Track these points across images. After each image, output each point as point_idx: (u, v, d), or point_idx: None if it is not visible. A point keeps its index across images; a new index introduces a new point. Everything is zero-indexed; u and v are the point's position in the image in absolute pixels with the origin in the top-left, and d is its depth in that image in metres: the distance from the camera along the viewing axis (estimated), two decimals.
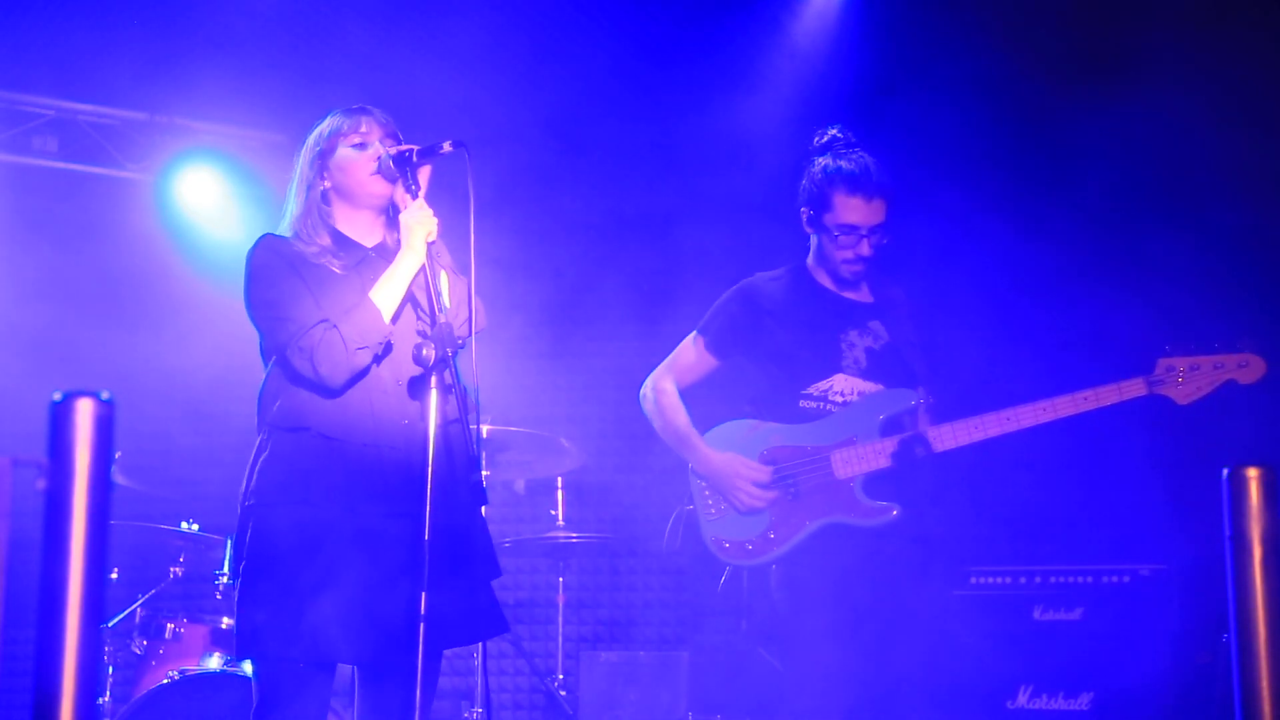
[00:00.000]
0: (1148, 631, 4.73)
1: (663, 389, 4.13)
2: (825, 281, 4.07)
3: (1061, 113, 5.79)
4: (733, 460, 3.95)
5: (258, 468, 3.29)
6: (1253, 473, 2.05)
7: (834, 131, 4.06)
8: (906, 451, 3.82)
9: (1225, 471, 2.07)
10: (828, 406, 3.94)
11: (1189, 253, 5.44)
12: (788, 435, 3.94)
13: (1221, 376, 3.78)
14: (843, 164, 3.95)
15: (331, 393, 3.26)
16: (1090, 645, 4.79)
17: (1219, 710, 4.39)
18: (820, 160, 4.00)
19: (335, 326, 3.23)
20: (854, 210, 3.93)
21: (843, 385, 3.95)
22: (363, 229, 3.47)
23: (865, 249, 3.95)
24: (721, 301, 4.13)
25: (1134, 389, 3.79)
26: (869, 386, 3.95)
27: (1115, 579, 4.84)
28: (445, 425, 3.22)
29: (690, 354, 4.15)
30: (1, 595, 1.63)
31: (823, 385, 3.96)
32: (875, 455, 3.86)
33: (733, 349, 4.10)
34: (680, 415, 4.08)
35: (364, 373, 3.29)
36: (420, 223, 3.30)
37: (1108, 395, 3.79)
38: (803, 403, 3.96)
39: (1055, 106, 5.79)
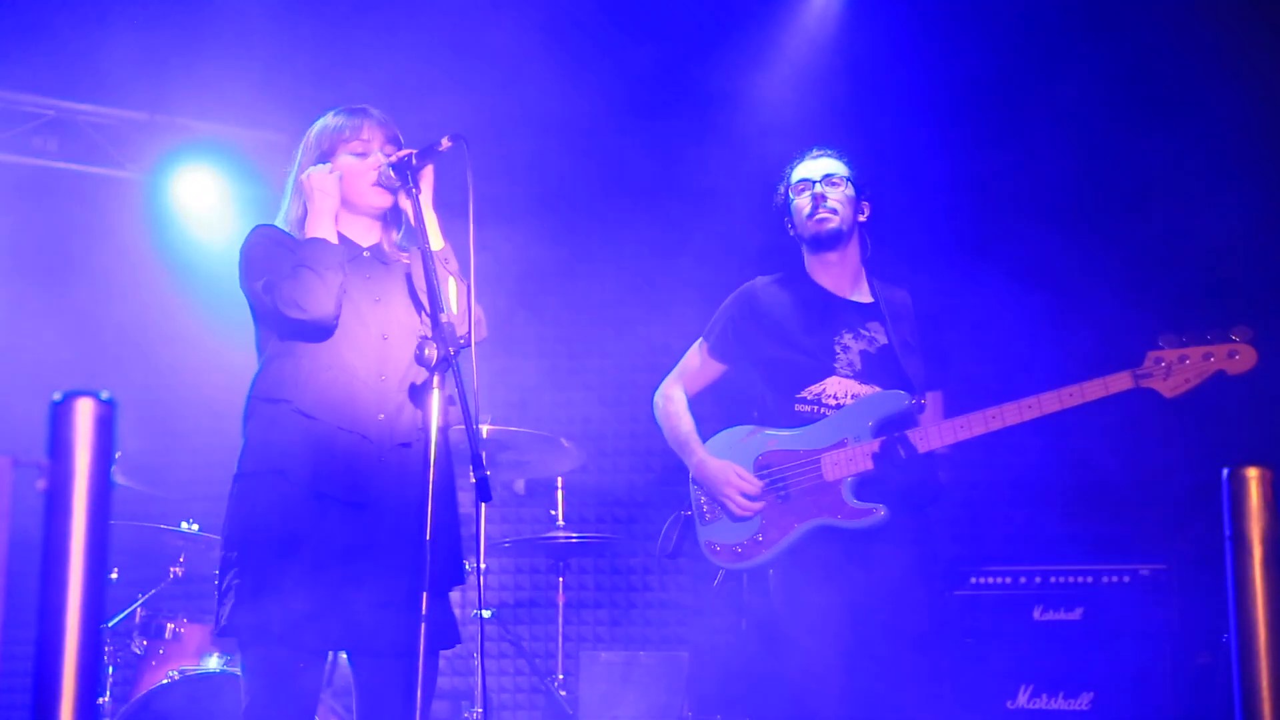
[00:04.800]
0: (1148, 631, 4.73)
1: (670, 395, 4.18)
2: (823, 282, 4.09)
3: (1063, 107, 5.78)
4: (726, 468, 3.96)
5: (245, 438, 3.33)
6: (1253, 473, 2.05)
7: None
8: (889, 453, 3.81)
9: (1225, 471, 2.07)
10: (821, 410, 3.94)
11: (1189, 246, 5.45)
12: (783, 440, 3.95)
13: (1211, 367, 3.70)
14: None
15: (326, 331, 3.26)
16: (1090, 645, 4.79)
17: (1219, 710, 4.39)
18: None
19: (298, 265, 3.26)
20: (802, 169, 4.13)
21: (836, 388, 3.95)
22: (359, 230, 3.47)
23: (824, 194, 4.05)
24: (722, 307, 4.18)
25: (1119, 383, 3.72)
26: (863, 389, 3.94)
27: (1115, 579, 4.84)
28: (442, 429, 3.20)
29: (695, 360, 4.20)
30: (2, 595, 1.63)
31: (815, 389, 3.96)
32: (861, 458, 3.86)
33: (734, 353, 4.13)
34: (683, 421, 4.12)
35: (356, 355, 3.28)
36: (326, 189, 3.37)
37: (1093, 390, 3.73)
38: (798, 406, 3.97)
39: (1056, 101, 5.78)
